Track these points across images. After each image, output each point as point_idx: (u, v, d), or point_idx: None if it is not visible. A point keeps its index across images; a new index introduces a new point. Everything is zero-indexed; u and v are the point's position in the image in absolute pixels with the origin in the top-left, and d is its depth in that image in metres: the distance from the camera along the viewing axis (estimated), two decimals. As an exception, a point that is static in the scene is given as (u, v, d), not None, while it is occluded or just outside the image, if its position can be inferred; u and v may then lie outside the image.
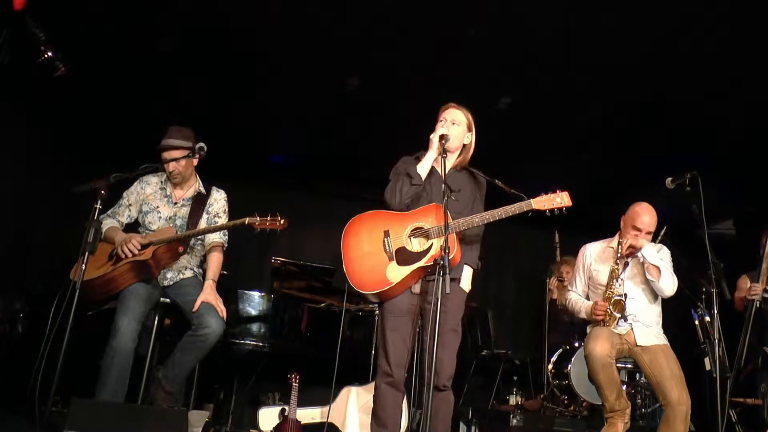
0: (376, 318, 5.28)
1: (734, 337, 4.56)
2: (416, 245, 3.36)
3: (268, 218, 3.87)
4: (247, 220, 3.88)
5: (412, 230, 3.38)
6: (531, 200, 3.39)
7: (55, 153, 6.11)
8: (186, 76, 5.34)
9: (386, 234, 3.39)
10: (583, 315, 4.21)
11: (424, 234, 3.36)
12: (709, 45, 4.41)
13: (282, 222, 3.87)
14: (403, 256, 3.35)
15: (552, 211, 3.40)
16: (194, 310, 3.83)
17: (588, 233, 4.60)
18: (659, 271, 3.95)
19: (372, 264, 3.35)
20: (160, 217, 4.08)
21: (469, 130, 3.57)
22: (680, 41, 4.41)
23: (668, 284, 3.97)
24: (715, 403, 3.89)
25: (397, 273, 3.32)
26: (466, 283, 3.47)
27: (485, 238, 3.58)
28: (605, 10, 4.18)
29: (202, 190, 4.18)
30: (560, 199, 3.40)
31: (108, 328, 3.77)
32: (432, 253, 3.30)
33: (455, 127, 3.51)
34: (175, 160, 3.94)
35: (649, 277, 3.97)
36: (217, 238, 4.13)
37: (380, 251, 3.37)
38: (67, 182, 4.03)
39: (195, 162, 4.12)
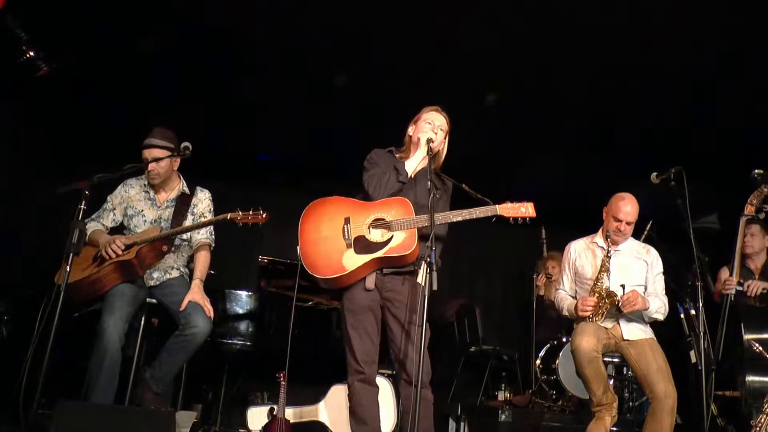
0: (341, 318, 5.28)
1: (718, 330, 4.61)
2: (376, 236, 3.35)
3: (250, 212, 3.87)
4: (229, 216, 3.88)
5: (373, 220, 3.37)
6: (496, 206, 3.43)
7: (40, 154, 6.06)
8: (173, 76, 5.31)
9: (347, 221, 3.38)
10: (565, 312, 4.24)
11: (386, 225, 3.36)
12: (691, 43, 4.46)
13: (264, 215, 3.87)
14: (362, 245, 3.33)
15: (515, 219, 3.43)
16: (181, 308, 3.82)
17: (574, 229, 4.63)
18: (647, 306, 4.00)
19: (328, 248, 3.34)
20: (145, 221, 4.07)
21: (446, 136, 3.60)
22: (668, 40, 4.45)
23: (658, 310, 4.03)
24: (701, 395, 3.92)
25: (353, 261, 3.30)
26: (422, 278, 3.44)
27: (472, 233, 3.59)
28: (592, 10, 4.21)
29: (186, 190, 4.17)
30: (525, 209, 3.44)
31: (94, 330, 3.74)
32: (392, 245, 3.30)
33: (440, 133, 3.55)
34: (156, 160, 3.92)
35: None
36: (204, 237, 4.13)
37: (339, 237, 3.35)
38: (52, 183, 4.01)
39: (176, 164, 4.09)
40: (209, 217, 4.16)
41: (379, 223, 3.37)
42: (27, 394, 3.29)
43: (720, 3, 4.07)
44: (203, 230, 4.15)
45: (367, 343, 3.34)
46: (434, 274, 2.97)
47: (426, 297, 2.99)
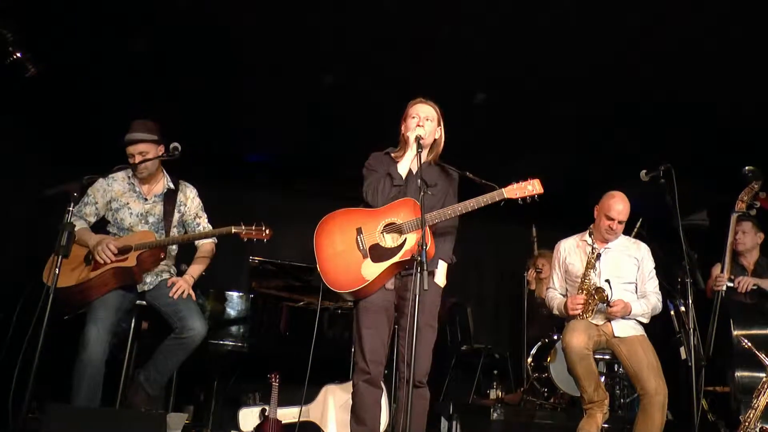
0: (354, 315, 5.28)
1: (709, 326, 4.64)
2: (390, 241, 3.35)
3: (254, 228, 3.88)
4: (233, 230, 3.89)
5: (384, 226, 3.37)
6: (503, 189, 3.39)
7: (26, 153, 6.00)
8: (161, 76, 5.28)
9: (359, 231, 3.36)
10: (556, 311, 4.27)
11: (397, 229, 3.35)
12: (679, 43, 4.48)
13: (267, 232, 3.89)
14: (378, 253, 3.32)
15: (524, 199, 3.39)
16: (168, 284, 3.90)
17: (565, 227, 4.64)
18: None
19: (346, 262, 3.33)
20: (131, 214, 4.02)
21: (439, 124, 3.56)
22: (651, 40, 4.47)
23: (643, 314, 4.07)
24: (691, 391, 3.94)
25: (372, 270, 3.30)
26: (440, 278, 3.46)
27: (464, 232, 3.58)
28: (578, 9, 4.23)
29: (171, 185, 4.13)
30: (532, 187, 3.39)
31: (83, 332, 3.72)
32: (406, 248, 3.29)
33: (428, 123, 3.50)
34: (146, 161, 3.89)
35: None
36: (209, 240, 4.15)
37: (354, 249, 3.34)
38: (39, 183, 3.97)
39: (161, 151, 4.00)
40: (204, 216, 4.17)
41: (391, 228, 3.37)
42: (17, 398, 3.27)
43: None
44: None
45: (377, 342, 3.33)
46: (425, 273, 2.96)
47: (417, 296, 2.99)
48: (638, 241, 4.35)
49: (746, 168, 4.54)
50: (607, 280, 4.01)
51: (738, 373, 4.34)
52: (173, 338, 3.81)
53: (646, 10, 4.17)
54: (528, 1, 4.24)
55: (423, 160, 3.48)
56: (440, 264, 3.45)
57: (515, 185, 3.40)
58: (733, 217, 4.72)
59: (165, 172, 4.16)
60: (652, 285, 4.17)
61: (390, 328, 3.41)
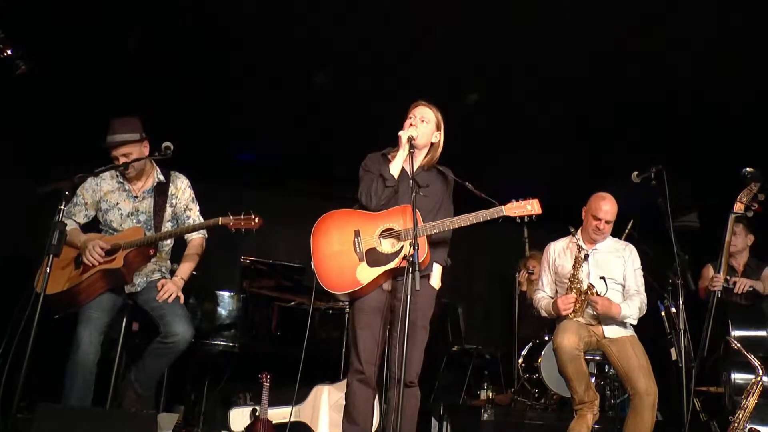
0: (347, 316, 5.28)
1: (699, 327, 4.65)
2: (387, 246, 3.37)
3: (242, 217, 3.77)
4: (220, 220, 3.79)
5: (382, 231, 3.38)
6: (502, 207, 3.44)
7: (17, 153, 5.97)
8: (157, 76, 5.26)
9: (357, 234, 3.38)
10: (544, 313, 4.28)
11: (395, 235, 3.37)
12: (671, 44, 4.51)
13: (257, 221, 3.77)
14: (374, 257, 3.34)
15: (522, 217, 3.45)
16: (158, 286, 3.82)
17: (556, 228, 4.65)
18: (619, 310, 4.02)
19: (342, 263, 3.34)
20: (121, 214, 3.93)
21: (438, 128, 3.57)
22: (644, 40, 4.49)
23: (631, 316, 4.05)
24: (681, 392, 3.95)
25: (367, 274, 3.32)
26: (435, 280, 3.49)
27: (455, 232, 3.59)
28: (576, 9, 4.24)
29: (161, 177, 4.02)
30: (530, 207, 3.46)
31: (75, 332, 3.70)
32: (403, 255, 3.30)
33: (424, 125, 3.51)
34: (134, 161, 3.82)
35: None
36: (198, 235, 4.05)
37: (350, 251, 3.36)
38: (30, 183, 3.94)
39: (146, 149, 3.91)
40: (195, 207, 4.08)
41: (389, 234, 3.39)
42: (6, 398, 3.25)
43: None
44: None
45: (372, 343, 3.35)
46: (417, 274, 2.99)
47: (409, 296, 3.02)
48: (627, 243, 4.36)
49: (746, 169, 4.55)
50: (602, 277, 4.02)
51: (734, 375, 4.35)
52: (158, 342, 3.76)
53: (644, 9, 4.19)
54: (518, 3, 4.25)
55: (418, 162, 3.51)
56: (435, 267, 3.49)
57: (515, 203, 3.46)
58: (731, 217, 4.69)
59: (156, 165, 4.04)
60: (637, 282, 4.17)
61: (385, 330, 3.42)
